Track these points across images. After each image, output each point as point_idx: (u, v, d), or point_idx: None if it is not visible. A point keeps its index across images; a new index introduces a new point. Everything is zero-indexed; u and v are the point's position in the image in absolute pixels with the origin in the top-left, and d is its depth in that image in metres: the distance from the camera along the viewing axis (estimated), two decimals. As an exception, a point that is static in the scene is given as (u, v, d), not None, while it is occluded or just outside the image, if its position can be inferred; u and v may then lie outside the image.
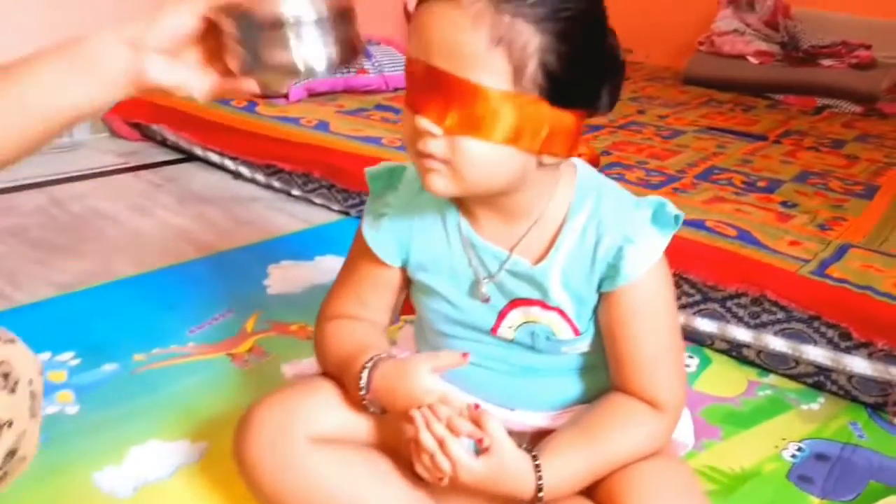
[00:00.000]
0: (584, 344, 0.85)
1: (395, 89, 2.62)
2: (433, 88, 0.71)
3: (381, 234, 0.88)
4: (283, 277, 1.54)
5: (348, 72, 2.48)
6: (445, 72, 0.69)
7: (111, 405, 1.12)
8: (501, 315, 0.85)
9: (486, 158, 0.72)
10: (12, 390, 0.71)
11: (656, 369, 0.83)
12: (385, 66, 2.65)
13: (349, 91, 2.54)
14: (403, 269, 0.90)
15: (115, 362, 1.22)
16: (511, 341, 0.86)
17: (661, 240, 0.80)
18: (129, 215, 1.82)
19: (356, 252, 0.92)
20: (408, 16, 3.46)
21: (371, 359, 0.83)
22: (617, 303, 0.81)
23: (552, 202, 0.81)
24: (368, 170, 0.92)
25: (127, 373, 1.20)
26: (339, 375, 0.88)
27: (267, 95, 2.28)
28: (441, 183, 0.74)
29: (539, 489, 0.77)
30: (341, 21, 0.75)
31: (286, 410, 0.86)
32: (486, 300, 0.84)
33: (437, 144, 0.72)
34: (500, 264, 0.82)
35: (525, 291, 0.83)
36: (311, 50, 0.73)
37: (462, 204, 0.84)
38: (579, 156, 0.86)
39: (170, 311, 1.39)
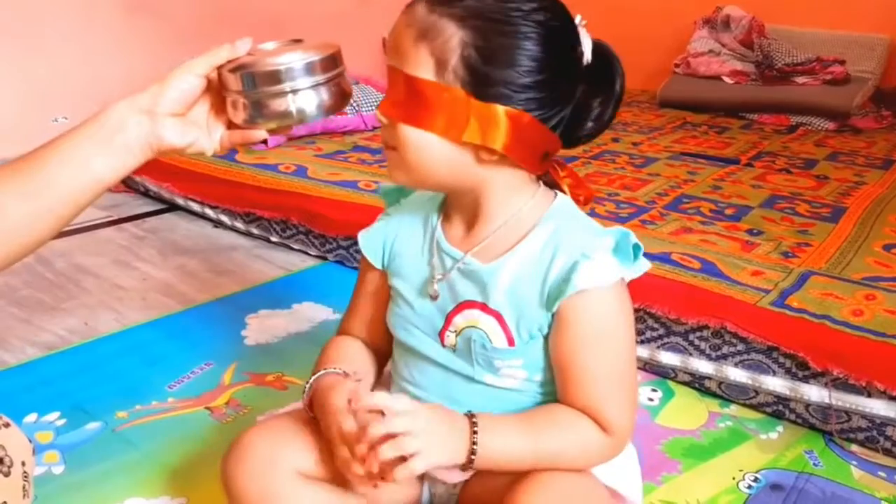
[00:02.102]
0: (518, 362, 0.85)
1: (374, 128, 2.65)
2: (390, 84, 0.81)
3: (371, 235, 0.95)
4: (261, 327, 1.58)
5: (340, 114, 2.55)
6: (391, 66, 0.79)
7: (94, 464, 1.16)
8: (448, 319, 0.88)
9: (418, 144, 0.79)
10: (7, 474, 0.75)
11: (605, 390, 0.83)
12: (363, 105, 2.69)
13: (328, 133, 2.59)
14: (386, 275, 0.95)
15: (99, 420, 1.26)
16: (454, 350, 0.88)
17: (618, 268, 0.82)
18: (112, 270, 1.87)
19: (360, 267, 0.99)
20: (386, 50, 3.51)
21: (323, 371, 0.89)
22: (566, 320, 0.81)
23: (519, 215, 0.84)
24: (381, 186, 1.01)
25: (109, 431, 1.24)
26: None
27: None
28: (394, 172, 0.83)
29: (473, 450, 0.78)
30: (331, 69, 0.85)
31: (278, 440, 0.88)
32: (435, 297, 0.88)
33: (386, 133, 0.82)
34: (453, 263, 0.87)
35: (470, 292, 0.86)
36: (304, 98, 0.83)
37: (444, 211, 0.90)
38: (577, 195, 0.88)
39: (151, 366, 1.43)
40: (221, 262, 1.92)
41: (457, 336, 0.87)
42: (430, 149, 0.79)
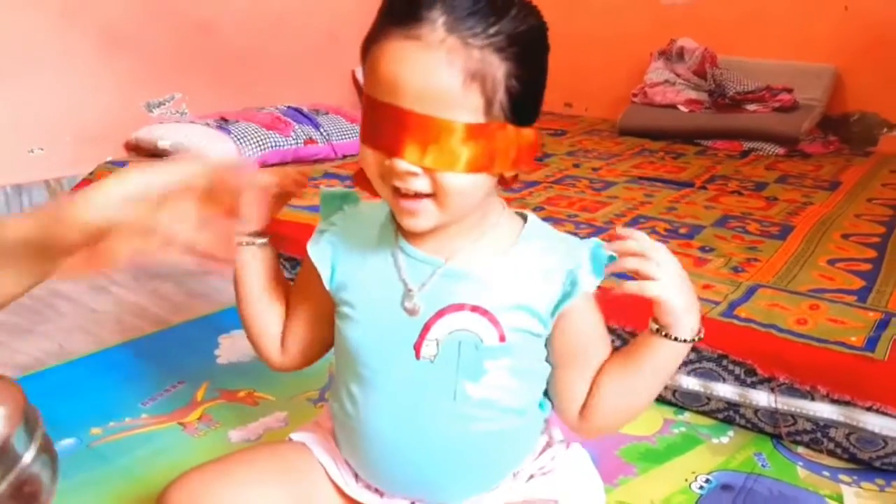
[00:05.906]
0: (506, 363, 0.84)
1: (344, 156, 2.75)
2: (407, 131, 0.71)
3: (321, 248, 0.90)
4: (233, 347, 1.61)
5: (308, 143, 2.62)
6: (420, 115, 0.71)
7: (68, 479, 1.15)
8: (426, 327, 0.83)
9: (465, 187, 0.75)
10: None
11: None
12: (333, 134, 2.76)
13: (299, 161, 2.64)
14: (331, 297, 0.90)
15: (73, 437, 1.28)
16: (432, 361, 0.83)
17: (596, 277, 0.84)
18: (87, 294, 1.90)
19: (300, 275, 0.98)
20: (357, 84, 3.59)
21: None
22: (572, 318, 0.84)
23: (497, 227, 0.84)
24: (323, 190, 0.94)
25: (84, 446, 1.27)
26: None
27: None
28: (425, 219, 0.77)
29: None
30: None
31: (200, 491, 0.87)
32: (415, 312, 0.83)
33: (419, 183, 0.74)
34: (432, 271, 0.83)
35: (457, 295, 0.82)
36: None
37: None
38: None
39: (125, 385, 1.46)
40: (195, 285, 1.95)
41: (438, 344, 0.83)
42: (476, 188, 0.76)
